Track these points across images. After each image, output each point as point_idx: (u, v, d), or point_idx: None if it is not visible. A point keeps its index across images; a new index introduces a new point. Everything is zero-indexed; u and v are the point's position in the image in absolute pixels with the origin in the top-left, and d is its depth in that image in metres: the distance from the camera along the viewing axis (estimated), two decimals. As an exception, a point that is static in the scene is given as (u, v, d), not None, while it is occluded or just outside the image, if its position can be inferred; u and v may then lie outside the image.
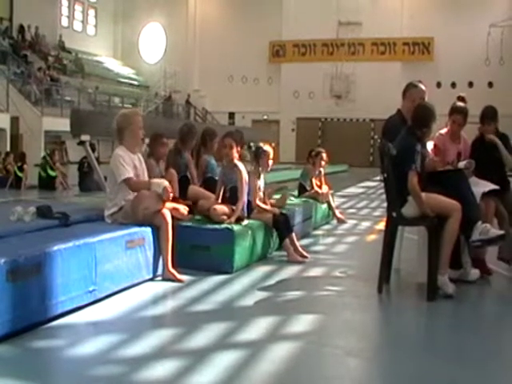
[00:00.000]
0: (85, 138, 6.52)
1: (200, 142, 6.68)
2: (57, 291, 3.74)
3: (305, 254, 5.96)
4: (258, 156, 6.17)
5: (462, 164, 5.13)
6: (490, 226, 4.71)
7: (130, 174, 4.83)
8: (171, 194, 4.89)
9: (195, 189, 6.26)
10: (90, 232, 4.32)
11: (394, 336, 3.93)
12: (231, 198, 5.75)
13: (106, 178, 6.79)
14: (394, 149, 4.68)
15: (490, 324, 4.25)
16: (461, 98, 5.53)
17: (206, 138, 6.65)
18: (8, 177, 13.96)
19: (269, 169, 6.31)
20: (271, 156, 6.19)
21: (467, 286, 4.98)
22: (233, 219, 5.51)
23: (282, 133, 31.36)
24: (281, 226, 5.92)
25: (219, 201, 5.85)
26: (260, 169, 6.17)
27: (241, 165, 5.78)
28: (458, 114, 5.33)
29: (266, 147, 6.23)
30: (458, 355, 3.52)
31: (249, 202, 5.86)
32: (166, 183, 4.88)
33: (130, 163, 4.89)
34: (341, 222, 8.80)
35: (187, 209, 5.26)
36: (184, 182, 6.28)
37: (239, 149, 5.93)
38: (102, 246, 4.22)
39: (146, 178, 5.07)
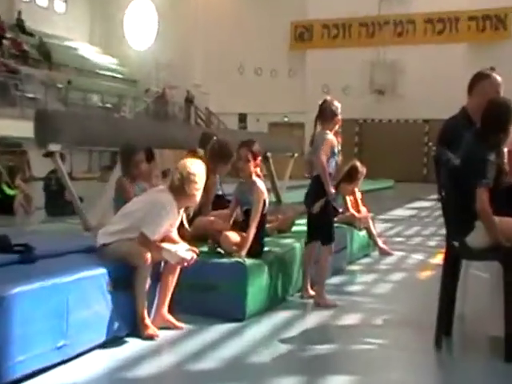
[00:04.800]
0: (54, 147, 6.56)
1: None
2: (15, 348, 3.73)
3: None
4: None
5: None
6: None
7: (155, 236, 4.80)
8: (194, 256, 4.88)
9: (202, 221, 6.12)
10: (61, 269, 4.33)
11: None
12: (246, 222, 5.74)
13: (81, 199, 6.86)
14: (458, 158, 4.68)
15: None
16: None
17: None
18: None
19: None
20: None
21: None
22: (243, 252, 5.48)
23: (309, 139, 31.22)
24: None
25: (230, 222, 5.90)
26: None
27: (261, 183, 5.78)
28: None
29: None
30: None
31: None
32: (181, 254, 4.80)
33: (167, 222, 4.86)
34: (384, 253, 8.80)
35: (196, 250, 5.14)
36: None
37: (258, 162, 5.91)
38: (77, 287, 4.24)
39: (174, 231, 5.06)
